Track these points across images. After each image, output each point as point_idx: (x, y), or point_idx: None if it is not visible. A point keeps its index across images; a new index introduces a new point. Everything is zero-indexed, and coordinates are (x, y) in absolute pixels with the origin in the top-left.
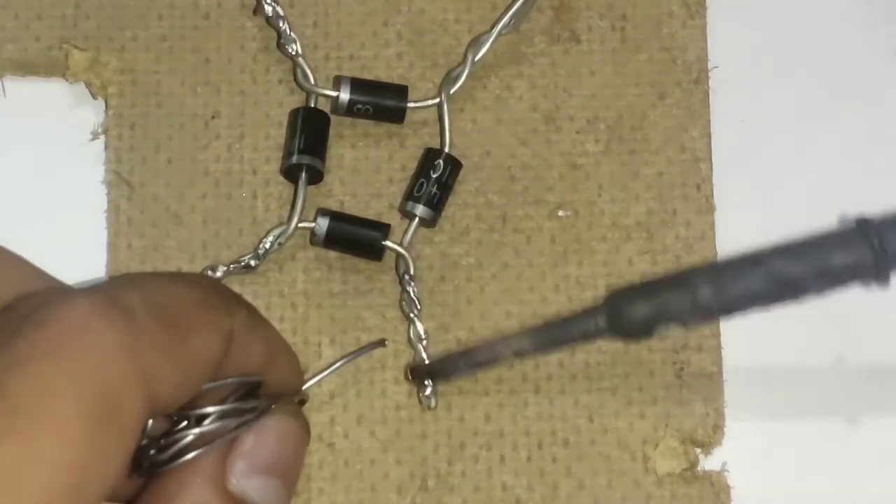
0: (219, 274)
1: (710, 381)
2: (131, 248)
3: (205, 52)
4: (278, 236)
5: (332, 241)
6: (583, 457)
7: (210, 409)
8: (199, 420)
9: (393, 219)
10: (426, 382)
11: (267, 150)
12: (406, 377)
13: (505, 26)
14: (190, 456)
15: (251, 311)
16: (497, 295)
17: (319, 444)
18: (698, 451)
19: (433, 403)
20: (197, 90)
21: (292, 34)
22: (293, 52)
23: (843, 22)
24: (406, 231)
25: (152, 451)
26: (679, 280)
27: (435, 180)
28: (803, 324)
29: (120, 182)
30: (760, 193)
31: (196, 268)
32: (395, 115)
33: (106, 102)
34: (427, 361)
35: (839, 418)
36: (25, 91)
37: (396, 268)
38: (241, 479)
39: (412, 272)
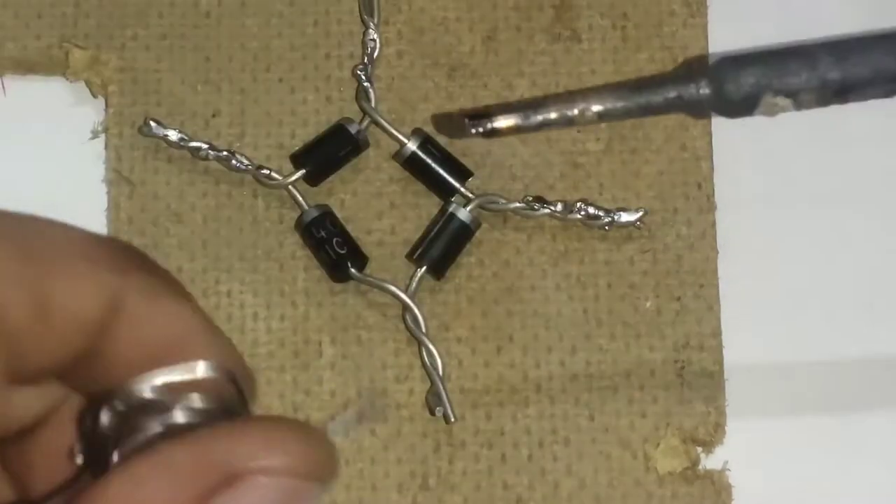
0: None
1: (711, 380)
2: None
3: (205, 50)
4: None
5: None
6: (584, 456)
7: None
8: (153, 411)
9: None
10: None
11: (267, 149)
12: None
13: None
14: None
15: (160, 279)
16: (498, 293)
17: None
18: (699, 449)
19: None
20: (197, 88)
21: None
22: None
23: (842, 21)
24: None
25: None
26: (797, 50)
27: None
28: (804, 323)
29: (120, 180)
30: (761, 192)
31: (196, 266)
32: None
33: (106, 101)
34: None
35: (840, 417)
36: (25, 90)
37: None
38: None
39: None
